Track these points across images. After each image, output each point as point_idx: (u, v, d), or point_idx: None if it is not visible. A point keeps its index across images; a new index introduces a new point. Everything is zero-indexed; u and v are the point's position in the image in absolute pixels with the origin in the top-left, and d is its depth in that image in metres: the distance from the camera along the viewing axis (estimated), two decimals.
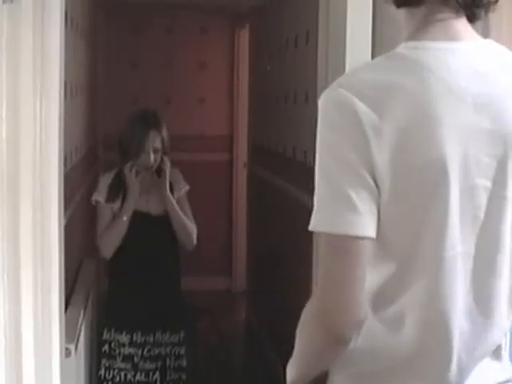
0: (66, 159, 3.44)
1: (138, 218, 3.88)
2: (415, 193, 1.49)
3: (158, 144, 3.88)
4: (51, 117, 2.35)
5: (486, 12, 1.59)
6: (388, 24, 3.11)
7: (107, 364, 3.88)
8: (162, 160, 3.92)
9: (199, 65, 7.20)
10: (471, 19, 1.58)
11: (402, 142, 1.46)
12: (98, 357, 3.92)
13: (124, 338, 3.89)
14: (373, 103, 1.46)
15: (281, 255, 5.05)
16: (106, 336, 3.89)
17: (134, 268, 3.90)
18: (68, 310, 3.18)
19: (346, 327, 1.50)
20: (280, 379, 4.98)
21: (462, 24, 1.56)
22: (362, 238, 1.47)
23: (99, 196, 3.90)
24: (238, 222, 7.23)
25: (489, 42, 1.59)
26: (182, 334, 4.01)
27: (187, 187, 4.10)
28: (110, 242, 3.85)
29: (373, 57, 3.29)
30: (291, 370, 1.71)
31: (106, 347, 3.89)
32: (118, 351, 3.89)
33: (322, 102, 1.54)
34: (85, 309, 3.41)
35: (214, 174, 7.32)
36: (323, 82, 3.96)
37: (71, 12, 3.66)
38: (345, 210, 1.46)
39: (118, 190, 3.90)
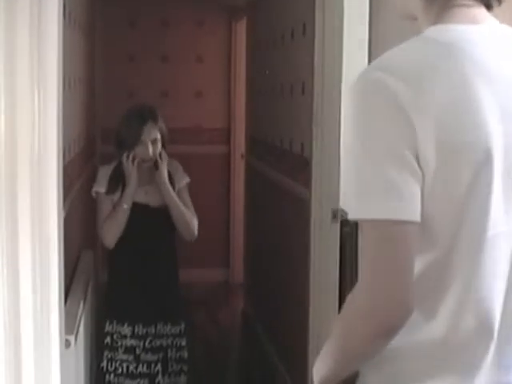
0: (64, 152, 3.44)
1: (137, 209, 3.88)
2: (460, 172, 1.45)
3: (155, 135, 3.90)
4: (49, 109, 2.35)
5: (500, 1, 1.61)
6: (385, 15, 3.12)
7: (109, 356, 3.89)
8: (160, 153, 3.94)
9: (196, 58, 7.19)
10: (487, 8, 1.60)
11: (445, 120, 1.43)
12: (100, 348, 3.93)
13: (126, 330, 3.90)
14: (411, 83, 1.44)
15: (278, 247, 5.05)
16: (107, 328, 3.90)
17: (133, 260, 3.91)
18: (67, 302, 3.18)
19: (399, 317, 1.44)
20: (276, 370, 5.03)
21: (481, 10, 1.58)
22: (409, 223, 1.42)
23: (99, 187, 3.92)
24: (236, 214, 7.23)
25: (505, 26, 1.61)
26: (183, 326, 4.03)
27: (188, 179, 4.12)
28: (112, 231, 3.85)
29: (370, 48, 3.29)
30: (321, 369, 1.63)
31: (108, 339, 3.90)
32: (119, 343, 3.90)
33: (357, 85, 1.50)
34: (84, 300, 3.41)
35: (212, 166, 7.32)
36: (320, 73, 3.96)
37: (69, 5, 3.65)
38: (388, 194, 1.41)
39: (118, 181, 3.91)
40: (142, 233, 3.91)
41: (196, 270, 7.03)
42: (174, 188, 3.99)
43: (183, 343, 4.02)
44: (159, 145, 3.93)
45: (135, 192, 3.89)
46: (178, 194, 4.01)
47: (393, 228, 1.42)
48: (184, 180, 4.10)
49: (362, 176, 1.45)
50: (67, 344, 2.67)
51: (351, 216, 1.46)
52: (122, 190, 3.88)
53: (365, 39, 3.33)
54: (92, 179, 4.12)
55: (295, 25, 4.54)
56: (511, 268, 1.53)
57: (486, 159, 1.45)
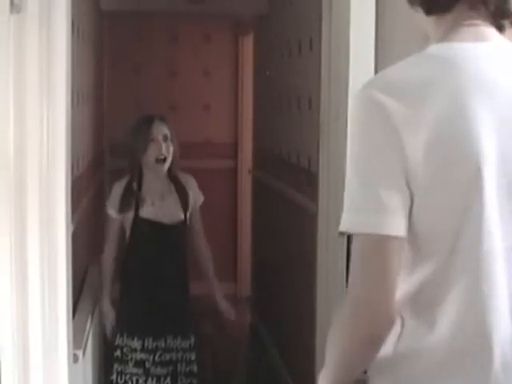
0: (72, 167, 3.45)
1: (150, 226, 3.89)
2: (451, 189, 1.48)
3: (165, 131, 3.93)
4: (58, 125, 2.36)
5: (511, 23, 1.62)
6: (391, 30, 3.12)
7: (119, 369, 3.89)
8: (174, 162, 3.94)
9: (204, 72, 7.19)
10: (499, 30, 1.60)
11: (438, 136, 1.46)
12: (110, 361, 3.93)
13: (136, 344, 3.89)
14: (405, 100, 1.47)
15: (285, 261, 5.04)
16: (118, 341, 3.89)
17: (144, 274, 3.93)
18: (76, 316, 3.17)
19: (381, 327, 1.50)
20: (283, 381, 4.98)
21: (489, 29, 1.59)
22: (395, 238, 1.47)
23: (110, 208, 3.94)
24: (243, 228, 7.21)
25: None
26: (193, 340, 4.03)
27: (202, 198, 4.13)
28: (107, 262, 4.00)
29: (376, 62, 3.29)
30: (325, 377, 1.67)
31: (119, 352, 3.89)
32: (129, 356, 3.89)
33: (353, 103, 1.55)
34: (92, 314, 3.40)
35: (219, 180, 7.30)
36: (326, 88, 3.95)
37: (77, 21, 3.67)
38: (377, 209, 1.46)
39: (130, 199, 3.90)
40: (154, 250, 3.91)
41: (204, 284, 7.00)
42: (188, 205, 3.99)
43: (193, 357, 4.01)
44: (170, 143, 3.93)
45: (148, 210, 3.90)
46: (192, 214, 4.03)
47: (378, 242, 1.47)
48: (200, 200, 4.11)
49: (351, 191, 1.51)
50: (75, 358, 2.67)
51: (341, 228, 1.51)
52: (136, 208, 3.87)
53: (371, 53, 3.33)
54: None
55: (302, 39, 4.54)
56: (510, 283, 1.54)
57: (478, 174, 1.47)
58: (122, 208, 3.89)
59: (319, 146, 3.97)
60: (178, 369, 3.97)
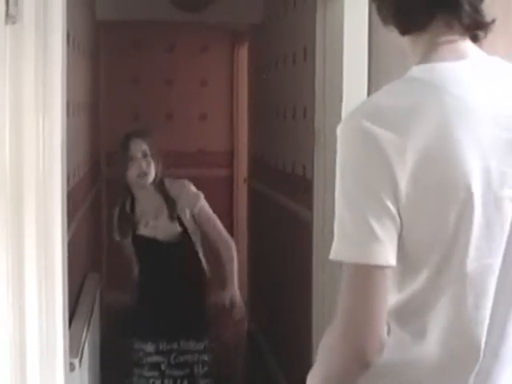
0: (68, 177, 3.45)
1: (149, 245, 3.95)
2: (440, 212, 1.49)
3: (144, 147, 3.89)
4: (54, 136, 2.36)
5: (486, 33, 1.61)
6: (384, 41, 3.13)
7: (137, 372, 3.96)
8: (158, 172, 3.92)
9: (200, 81, 7.18)
10: (473, 40, 1.60)
11: (424, 162, 1.46)
12: (125, 366, 3.99)
13: (150, 348, 3.93)
14: (394, 127, 1.46)
15: (281, 269, 5.03)
16: (136, 345, 3.95)
17: (155, 286, 3.97)
18: (72, 324, 3.17)
19: (371, 352, 1.50)
20: None
21: (467, 44, 1.59)
22: (385, 267, 1.47)
23: (115, 235, 4.04)
24: (239, 236, 7.17)
25: (495, 58, 1.61)
26: (207, 342, 4.09)
27: (201, 197, 4.13)
28: None
29: (369, 72, 3.30)
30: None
31: (135, 357, 3.95)
32: (145, 360, 3.94)
33: (341, 132, 1.53)
34: (89, 322, 3.40)
35: (215, 189, 7.23)
36: (321, 97, 3.97)
37: (73, 31, 3.67)
38: (367, 239, 1.46)
39: (126, 223, 3.97)
40: (158, 264, 3.95)
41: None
42: (179, 215, 3.95)
43: (207, 359, 4.07)
44: (152, 159, 3.90)
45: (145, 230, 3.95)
46: (195, 217, 4.03)
47: (370, 271, 1.47)
48: (197, 200, 4.07)
49: (342, 220, 1.49)
50: (72, 367, 2.66)
51: (331, 256, 1.51)
52: (133, 229, 3.94)
53: (364, 64, 3.34)
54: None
55: (296, 49, 4.55)
56: (495, 299, 1.55)
57: (466, 196, 1.48)
58: (121, 233, 3.96)
59: (314, 155, 3.98)
60: (195, 371, 4.02)
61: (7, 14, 2.16)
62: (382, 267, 1.47)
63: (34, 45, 2.27)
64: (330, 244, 3.90)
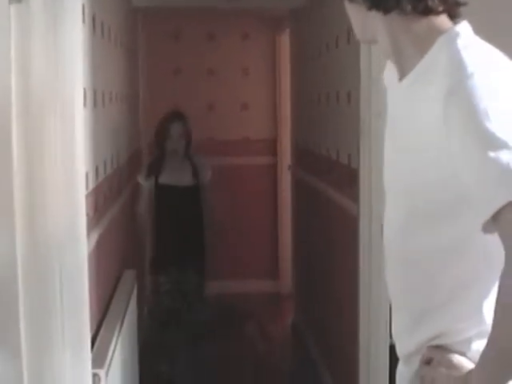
0: (97, 169, 3.15)
1: (168, 189, 4.78)
2: None
3: (180, 129, 4.81)
4: (68, 130, 2.04)
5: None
6: None
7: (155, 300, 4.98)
8: (188, 147, 4.84)
9: (242, 70, 6.95)
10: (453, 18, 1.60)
11: None
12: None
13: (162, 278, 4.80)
14: None
15: (327, 260, 4.77)
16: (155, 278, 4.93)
17: (169, 225, 4.79)
18: (101, 331, 2.85)
19: None
20: (324, 382, 4.71)
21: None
22: None
23: (140, 177, 4.84)
24: (284, 225, 6.94)
25: None
26: (203, 276, 4.88)
27: (209, 173, 4.91)
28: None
29: None
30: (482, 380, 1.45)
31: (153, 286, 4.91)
32: (161, 288, 4.81)
33: (472, 65, 1.44)
34: (120, 329, 3.06)
35: (259, 177, 7.07)
36: (366, 81, 3.63)
37: (101, 17, 3.35)
38: None
39: (155, 167, 4.82)
40: (173, 205, 4.77)
41: (245, 281, 6.80)
42: (198, 175, 4.84)
43: (202, 289, 4.89)
44: (184, 139, 4.81)
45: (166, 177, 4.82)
46: (203, 182, 4.86)
47: None
48: (208, 174, 4.89)
49: (498, 160, 1.36)
50: (96, 379, 2.35)
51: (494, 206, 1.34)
52: (156, 177, 4.77)
53: None
54: (137, 192, 4.87)
55: (339, 33, 4.23)
56: None
57: None
58: (149, 173, 4.81)
59: (360, 143, 3.64)
60: (192, 297, 4.80)
61: None
62: None
63: (43, 26, 1.94)
64: (378, 238, 3.52)
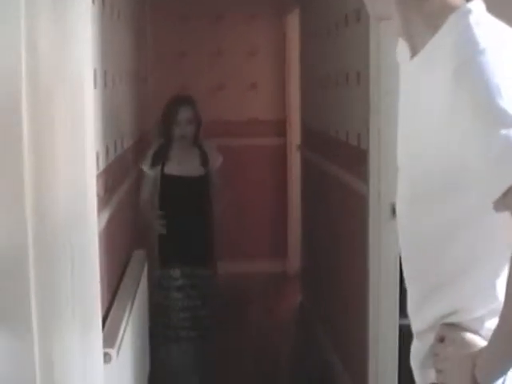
0: (108, 149, 3.14)
1: (175, 179, 4.41)
2: None
3: (189, 115, 4.40)
4: (77, 109, 2.03)
5: None
6: None
7: (163, 294, 4.42)
8: (197, 133, 4.45)
9: (250, 50, 6.91)
10: None
11: None
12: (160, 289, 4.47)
13: (176, 273, 4.38)
14: None
15: (335, 240, 4.74)
16: (161, 272, 4.42)
17: (175, 218, 4.40)
18: (112, 311, 2.86)
19: None
20: (332, 364, 4.71)
21: None
22: None
23: (144, 165, 4.43)
24: (293, 205, 6.92)
25: None
26: (213, 270, 4.55)
27: (220, 159, 4.56)
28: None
29: None
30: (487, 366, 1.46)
31: (162, 281, 4.40)
32: (172, 284, 4.39)
33: (484, 41, 1.43)
34: (131, 309, 3.06)
35: (268, 158, 7.06)
36: (375, 61, 3.60)
37: (116, 3, 3.34)
38: None
39: (160, 156, 4.41)
40: (180, 196, 4.40)
41: (253, 262, 6.81)
42: (207, 164, 4.48)
43: (213, 283, 4.55)
44: (193, 125, 4.42)
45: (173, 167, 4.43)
46: (212, 171, 4.51)
47: None
48: (218, 160, 4.55)
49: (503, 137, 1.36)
50: (107, 358, 2.35)
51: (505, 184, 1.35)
52: (162, 165, 4.39)
53: None
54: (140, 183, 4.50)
55: (348, 12, 4.18)
56: None
57: None
58: (154, 163, 4.39)
59: (369, 124, 3.62)
60: (204, 292, 4.46)
61: None
62: None
63: (52, 7, 1.93)
64: (387, 218, 3.53)
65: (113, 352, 2.42)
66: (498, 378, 1.46)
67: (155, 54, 6.26)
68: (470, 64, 1.41)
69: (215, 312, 4.57)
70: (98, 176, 2.66)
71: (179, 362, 4.46)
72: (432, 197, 1.56)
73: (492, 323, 1.47)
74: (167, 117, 4.42)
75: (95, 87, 2.58)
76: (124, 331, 2.73)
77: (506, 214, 1.39)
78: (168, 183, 4.41)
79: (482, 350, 1.48)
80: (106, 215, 2.94)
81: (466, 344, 1.52)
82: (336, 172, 4.59)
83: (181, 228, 4.40)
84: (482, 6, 1.55)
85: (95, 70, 2.57)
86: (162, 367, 4.38)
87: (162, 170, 4.40)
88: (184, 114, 4.38)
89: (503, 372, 1.45)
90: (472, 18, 1.49)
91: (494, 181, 1.37)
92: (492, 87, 1.37)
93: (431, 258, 1.60)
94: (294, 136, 6.75)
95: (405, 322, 3.20)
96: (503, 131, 1.34)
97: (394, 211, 3.51)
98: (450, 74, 1.43)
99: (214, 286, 4.57)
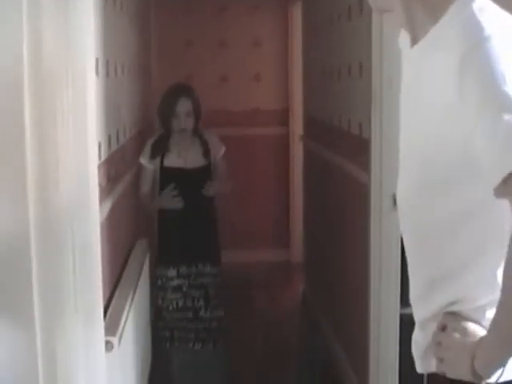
0: (110, 139, 3.14)
1: (175, 172, 4.22)
2: None
3: (189, 107, 4.18)
4: (79, 97, 2.02)
5: None
6: None
7: (161, 295, 4.26)
8: (197, 123, 4.24)
9: (253, 41, 6.91)
10: None
11: None
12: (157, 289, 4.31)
13: (172, 272, 4.23)
14: None
15: (337, 229, 4.74)
16: (158, 272, 4.25)
17: (175, 213, 4.20)
18: (114, 300, 2.86)
19: None
20: (334, 352, 4.71)
21: None
22: None
23: (143, 158, 4.22)
24: (295, 194, 6.93)
25: None
26: (220, 267, 4.37)
27: (223, 149, 4.38)
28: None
29: None
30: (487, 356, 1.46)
31: (159, 281, 4.25)
32: (168, 284, 4.24)
33: (489, 27, 1.42)
34: (132, 297, 3.06)
35: (271, 147, 7.06)
36: (378, 52, 3.59)
37: None
38: None
39: (160, 148, 4.20)
40: (180, 190, 4.19)
41: (256, 251, 6.82)
42: (209, 154, 4.29)
43: (220, 282, 4.36)
44: (193, 117, 4.20)
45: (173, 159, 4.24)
46: (215, 160, 4.34)
47: None
48: (221, 150, 4.37)
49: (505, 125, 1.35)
50: (109, 346, 2.36)
51: (506, 169, 1.34)
52: (162, 157, 4.20)
53: None
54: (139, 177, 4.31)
55: (351, 3, 4.17)
56: None
57: None
58: (153, 155, 4.19)
59: (371, 113, 3.62)
60: (209, 291, 4.31)
61: None
62: None
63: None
64: (389, 207, 3.53)
65: (114, 340, 2.43)
66: (496, 368, 1.45)
67: (159, 45, 6.27)
68: (476, 51, 1.40)
69: (221, 313, 4.39)
70: (100, 166, 2.66)
71: (178, 363, 4.35)
72: (435, 190, 1.55)
73: (493, 313, 1.47)
74: (165, 108, 4.21)
75: (97, 77, 2.57)
76: (126, 320, 2.74)
77: (506, 202, 1.38)
78: (168, 175, 4.20)
79: (481, 339, 1.48)
80: (108, 205, 2.94)
81: (468, 333, 1.52)
82: (338, 162, 4.59)
83: (182, 223, 4.21)
84: None
85: (97, 60, 2.56)
86: (162, 367, 4.31)
87: (162, 162, 4.22)
88: (183, 106, 4.16)
89: (502, 362, 1.44)
90: (475, 5, 1.48)
91: (496, 166, 1.36)
92: (497, 74, 1.36)
93: (434, 249, 1.59)
94: (297, 126, 6.75)
95: (406, 311, 3.21)
96: (506, 117, 1.33)
97: (395, 201, 3.51)
98: (455, 60, 1.42)
99: (219, 285, 4.36)
